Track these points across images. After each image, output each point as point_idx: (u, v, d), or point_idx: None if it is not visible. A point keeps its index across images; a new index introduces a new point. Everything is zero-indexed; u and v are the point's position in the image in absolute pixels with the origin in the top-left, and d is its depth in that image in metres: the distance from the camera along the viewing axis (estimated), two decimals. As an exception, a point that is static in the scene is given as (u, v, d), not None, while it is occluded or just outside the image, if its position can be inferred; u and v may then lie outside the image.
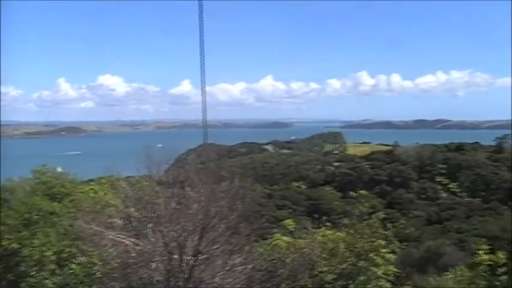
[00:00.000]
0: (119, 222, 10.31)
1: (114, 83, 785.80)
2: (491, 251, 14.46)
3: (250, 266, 10.27)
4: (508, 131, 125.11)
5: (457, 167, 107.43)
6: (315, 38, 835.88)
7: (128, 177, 14.91)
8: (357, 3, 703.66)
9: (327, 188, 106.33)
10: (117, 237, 9.81)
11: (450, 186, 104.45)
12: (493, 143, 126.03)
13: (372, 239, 13.70)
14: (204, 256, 9.48)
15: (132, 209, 10.39)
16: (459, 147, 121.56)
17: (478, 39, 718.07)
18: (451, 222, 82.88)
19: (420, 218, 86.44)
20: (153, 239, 9.61)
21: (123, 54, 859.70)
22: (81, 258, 12.28)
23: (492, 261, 13.96)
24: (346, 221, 15.23)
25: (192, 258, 9.36)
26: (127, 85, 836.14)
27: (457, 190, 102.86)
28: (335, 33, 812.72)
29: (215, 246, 9.57)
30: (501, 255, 13.95)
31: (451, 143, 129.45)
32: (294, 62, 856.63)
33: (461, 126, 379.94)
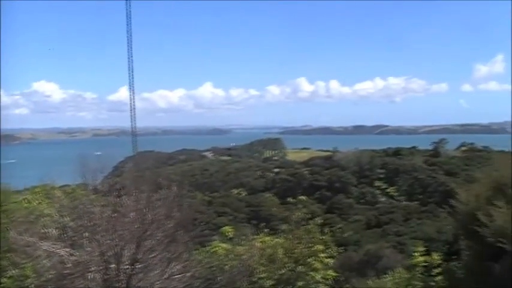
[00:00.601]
0: (53, 232, 10.06)
1: (50, 90, 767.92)
2: (427, 253, 14.84)
3: (188, 274, 10.19)
4: (444, 136, 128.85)
5: (395, 172, 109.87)
6: (253, 45, 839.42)
7: (64, 186, 14.58)
8: (294, 8, 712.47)
9: (267, 195, 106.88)
10: (52, 247, 9.57)
11: (388, 190, 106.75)
12: (430, 148, 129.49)
13: (310, 244, 13.83)
14: (142, 265, 9.36)
15: (68, 219, 10.16)
16: (397, 152, 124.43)
17: (414, 46, 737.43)
18: (390, 225, 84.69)
19: (360, 222, 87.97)
20: (89, 249, 9.41)
21: (58, 59, 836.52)
22: (13, 271, 11.85)
23: (427, 262, 14.33)
24: (284, 226, 15.31)
25: (130, 267, 9.22)
26: (63, 91, 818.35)
27: (395, 194, 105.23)
28: (273, 40, 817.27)
29: (153, 255, 9.47)
30: (436, 257, 14.34)
31: (389, 148, 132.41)
32: (233, 69, 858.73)
33: (398, 131, 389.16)
